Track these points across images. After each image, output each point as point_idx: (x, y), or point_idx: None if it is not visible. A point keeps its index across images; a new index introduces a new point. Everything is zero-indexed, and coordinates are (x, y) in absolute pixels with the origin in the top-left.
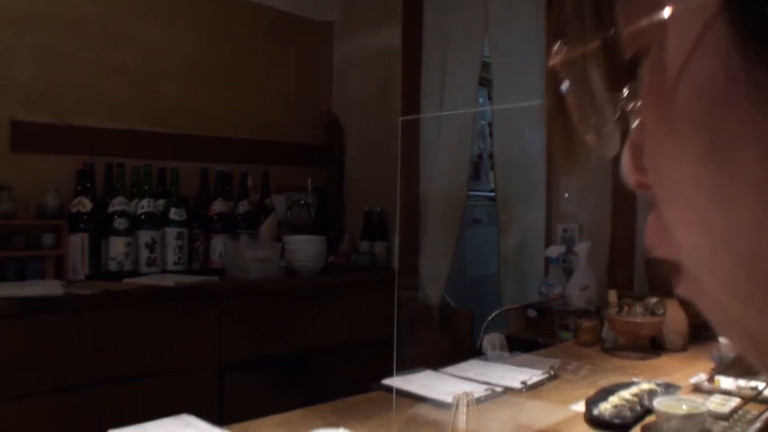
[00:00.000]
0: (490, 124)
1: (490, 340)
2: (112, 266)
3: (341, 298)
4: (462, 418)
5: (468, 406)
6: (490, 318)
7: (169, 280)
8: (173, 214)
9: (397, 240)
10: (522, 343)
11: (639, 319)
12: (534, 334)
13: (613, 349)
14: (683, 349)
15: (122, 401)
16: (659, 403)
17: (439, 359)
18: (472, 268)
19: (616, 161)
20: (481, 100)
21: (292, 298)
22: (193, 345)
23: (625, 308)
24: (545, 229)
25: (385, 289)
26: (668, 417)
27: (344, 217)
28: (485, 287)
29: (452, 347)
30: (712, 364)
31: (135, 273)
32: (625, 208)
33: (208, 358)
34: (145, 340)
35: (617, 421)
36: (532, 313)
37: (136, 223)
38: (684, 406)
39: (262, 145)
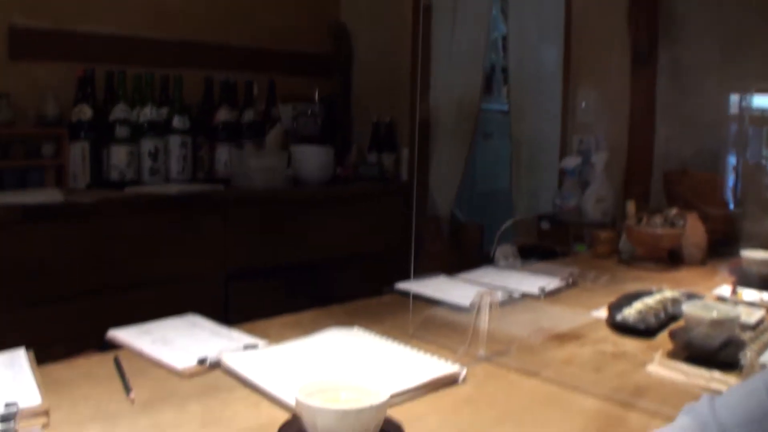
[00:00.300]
0: (504, 38)
1: (503, 251)
2: (114, 175)
3: (349, 209)
4: (485, 317)
5: (491, 306)
6: (503, 228)
7: (172, 189)
8: (176, 122)
9: (417, 133)
10: (535, 254)
11: (659, 231)
12: (547, 246)
13: (630, 261)
14: (701, 263)
15: (126, 309)
16: (688, 308)
17: (449, 271)
18: (482, 182)
19: None
20: (494, 12)
21: (299, 209)
22: (198, 254)
23: (644, 219)
24: (560, 141)
25: (393, 200)
26: (698, 322)
27: (352, 129)
28: (496, 202)
29: (462, 260)
30: (731, 278)
31: (137, 182)
32: (644, 119)
33: (213, 267)
34: (149, 248)
35: (641, 326)
36: (545, 225)
37: (138, 132)
38: (714, 312)
39: (268, 54)
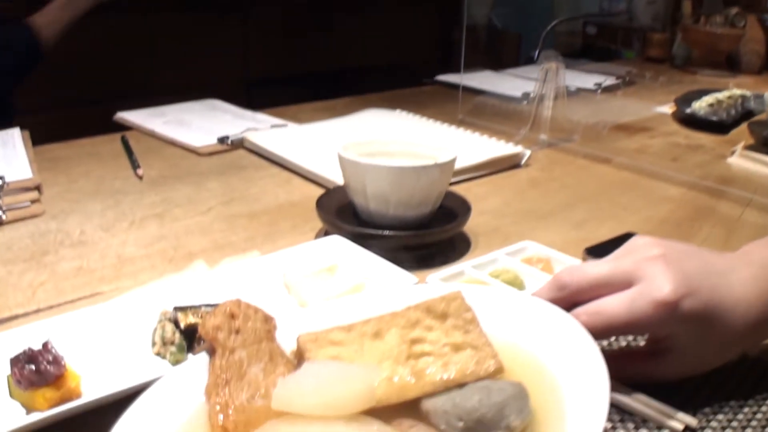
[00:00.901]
0: None
1: (547, 56)
2: None
3: (377, 15)
4: (549, 95)
5: (556, 93)
6: (548, 28)
7: None
8: None
9: None
10: (583, 57)
11: (718, 30)
12: (598, 46)
13: (684, 66)
14: (759, 72)
15: None
16: None
17: None
18: None
19: None
20: None
21: (324, 10)
22: (217, 58)
23: (702, 19)
24: None
25: (425, 7)
26: None
27: None
28: (535, 9)
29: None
30: None
31: None
32: None
33: (233, 73)
34: (162, 50)
35: (714, 118)
36: (591, 30)
37: None
38: None
39: None
